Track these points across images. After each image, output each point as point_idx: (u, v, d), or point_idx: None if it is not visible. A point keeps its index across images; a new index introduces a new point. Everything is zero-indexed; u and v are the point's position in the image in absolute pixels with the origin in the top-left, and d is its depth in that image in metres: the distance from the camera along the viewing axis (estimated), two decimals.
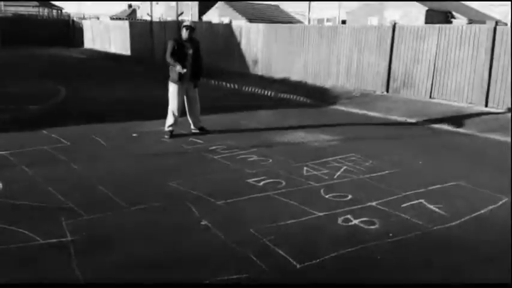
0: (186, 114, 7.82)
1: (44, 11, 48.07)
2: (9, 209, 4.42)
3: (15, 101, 10.19)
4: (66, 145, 6.85)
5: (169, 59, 7.21)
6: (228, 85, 14.48)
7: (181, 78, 7.31)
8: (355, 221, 4.38)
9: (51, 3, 55.31)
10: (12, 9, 44.06)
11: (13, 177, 5.33)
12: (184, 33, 7.30)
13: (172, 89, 7.50)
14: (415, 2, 25.81)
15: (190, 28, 7.32)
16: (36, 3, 48.29)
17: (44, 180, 5.22)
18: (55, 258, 3.55)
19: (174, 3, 46.73)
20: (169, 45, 7.28)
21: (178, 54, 7.25)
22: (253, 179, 5.52)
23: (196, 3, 43.94)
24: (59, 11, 52.80)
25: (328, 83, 14.34)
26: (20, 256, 3.57)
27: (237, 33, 18.04)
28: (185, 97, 7.64)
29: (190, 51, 7.37)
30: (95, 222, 4.21)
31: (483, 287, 3.45)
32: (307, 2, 34.49)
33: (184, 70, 7.17)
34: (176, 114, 7.50)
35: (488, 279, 3.49)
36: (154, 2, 49.87)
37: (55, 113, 9.46)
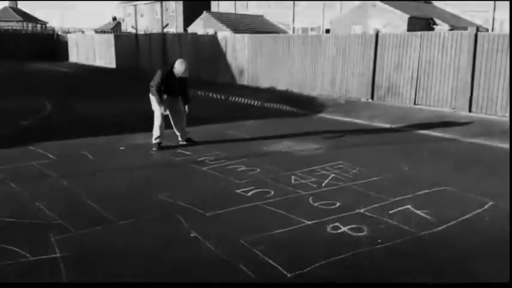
0: (172, 127, 7.83)
1: (28, 26, 47.84)
2: None
3: (0, 116, 10.10)
4: (53, 160, 6.81)
5: (155, 91, 7.26)
6: (215, 96, 14.53)
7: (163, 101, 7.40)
8: (344, 229, 4.42)
9: (35, 18, 55.06)
10: None
11: (0, 194, 5.29)
12: (177, 75, 7.35)
13: (154, 101, 7.52)
14: (397, 11, 26.20)
15: (182, 78, 7.41)
16: (19, 18, 48.05)
17: (31, 196, 5.19)
18: (45, 275, 3.53)
19: (159, 15, 46.84)
20: (159, 77, 7.30)
21: (166, 85, 7.33)
22: (241, 189, 5.55)
23: (181, 14, 44.05)
24: (43, 26, 52.58)
25: (314, 91, 14.46)
26: (9, 273, 3.54)
27: (222, 44, 18.14)
28: (169, 111, 7.62)
29: (177, 82, 7.46)
30: (84, 237, 4.20)
31: (479, 286, 3.51)
32: (292, 13, 34.79)
33: (166, 112, 7.43)
34: (161, 125, 7.51)
35: (478, 280, 3.55)
36: (139, 15, 49.95)
37: (41, 128, 9.39)
